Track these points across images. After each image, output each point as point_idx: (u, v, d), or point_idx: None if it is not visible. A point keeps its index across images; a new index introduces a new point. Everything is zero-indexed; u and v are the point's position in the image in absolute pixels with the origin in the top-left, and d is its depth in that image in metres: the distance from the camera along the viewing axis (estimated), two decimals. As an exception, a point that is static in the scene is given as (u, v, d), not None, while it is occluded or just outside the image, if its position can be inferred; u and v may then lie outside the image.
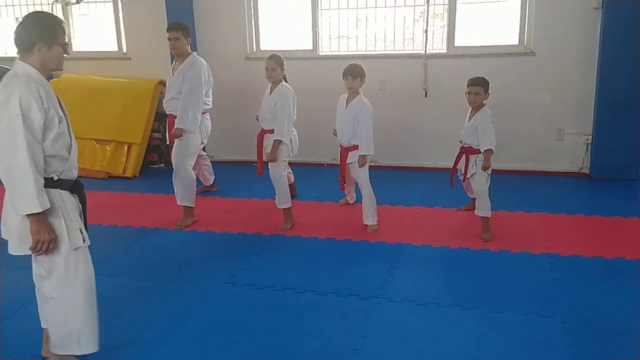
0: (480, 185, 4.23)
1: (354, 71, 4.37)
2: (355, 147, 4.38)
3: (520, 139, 5.88)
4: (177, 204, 4.65)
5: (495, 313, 3.16)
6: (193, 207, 4.68)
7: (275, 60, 4.50)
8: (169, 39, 4.67)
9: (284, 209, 4.53)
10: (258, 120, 4.74)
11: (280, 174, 4.45)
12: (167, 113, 4.90)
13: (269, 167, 4.46)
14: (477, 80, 4.28)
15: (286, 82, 4.61)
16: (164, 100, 4.90)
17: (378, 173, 5.97)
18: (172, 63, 4.93)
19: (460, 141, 4.40)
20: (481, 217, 4.24)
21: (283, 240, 4.31)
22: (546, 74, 5.72)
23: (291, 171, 5.04)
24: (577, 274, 3.62)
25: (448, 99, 5.83)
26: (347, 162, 4.46)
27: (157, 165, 6.64)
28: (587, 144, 5.75)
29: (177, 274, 3.77)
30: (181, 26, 4.72)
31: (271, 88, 4.57)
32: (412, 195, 5.26)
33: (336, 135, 4.58)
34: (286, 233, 4.43)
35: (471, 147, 4.26)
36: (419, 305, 3.27)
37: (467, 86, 4.30)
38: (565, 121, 5.80)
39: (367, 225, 4.45)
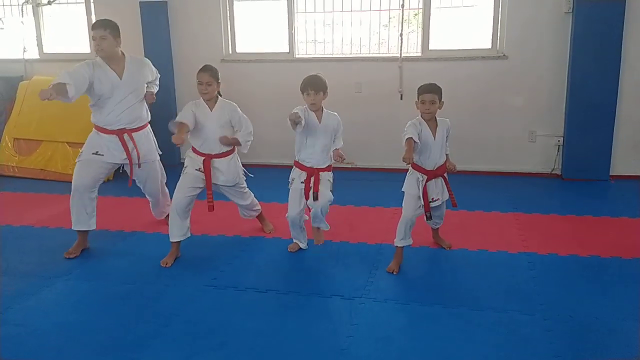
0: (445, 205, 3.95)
1: (316, 84, 3.71)
2: (327, 168, 3.87)
3: (493, 141, 6.00)
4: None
5: (477, 311, 3.20)
6: None
7: (211, 73, 3.89)
8: (94, 38, 3.95)
9: (257, 216, 4.49)
10: (198, 153, 4.03)
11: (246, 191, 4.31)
12: (120, 128, 4.10)
13: (235, 195, 4.26)
14: (432, 87, 3.66)
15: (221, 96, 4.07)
16: (111, 115, 4.06)
17: (356, 175, 6.03)
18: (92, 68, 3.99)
19: (419, 165, 3.72)
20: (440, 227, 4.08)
21: (263, 243, 4.30)
22: (518, 76, 5.83)
23: None
24: (555, 272, 3.70)
25: (424, 102, 5.89)
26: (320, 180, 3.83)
27: (131, 169, 6.54)
28: (559, 145, 5.87)
29: (157, 277, 3.72)
30: (109, 24, 4.02)
31: (208, 105, 3.95)
32: (390, 196, 5.26)
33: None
34: (266, 235, 4.41)
35: (443, 165, 3.77)
36: (402, 305, 3.30)
37: (419, 94, 3.68)
38: (537, 123, 5.93)
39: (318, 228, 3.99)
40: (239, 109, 4.06)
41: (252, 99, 5.52)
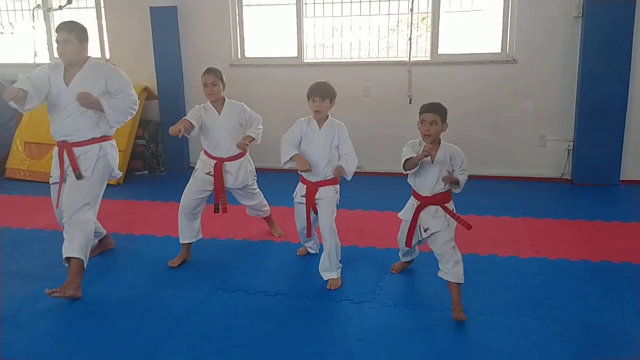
0: (449, 239, 3.23)
1: (323, 91, 3.53)
2: (330, 181, 3.63)
3: (503, 145, 5.98)
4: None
5: (488, 316, 3.19)
6: None
7: (215, 74, 3.87)
8: (57, 41, 3.53)
9: (265, 217, 4.49)
10: (210, 156, 4.02)
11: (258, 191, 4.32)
12: (61, 140, 3.67)
13: (244, 196, 4.25)
14: (433, 107, 3.22)
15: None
16: (54, 124, 3.67)
17: (364, 179, 6.02)
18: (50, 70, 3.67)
19: (417, 191, 3.37)
20: (454, 283, 3.21)
21: (272, 246, 4.30)
22: (528, 81, 5.82)
23: None
24: (565, 277, 3.68)
25: (432, 106, 5.89)
26: (317, 198, 3.64)
27: (141, 173, 6.58)
28: (569, 149, 5.85)
29: (167, 281, 3.73)
30: (75, 26, 3.61)
31: (216, 109, 3.94)
32: (398, 200, 5.22)
33: (305, 171, 3.63)
34: (275, 239, 4.41)
35: (442, 193, 3.29)
36: (411, 309, 3.30)
37: (420, 113, 3.26)
38: (547, 127, 5.91)
39: (327, 280, 3.60)
40: (247, 108, 4.07)
41: (260, 103, 5.51)
